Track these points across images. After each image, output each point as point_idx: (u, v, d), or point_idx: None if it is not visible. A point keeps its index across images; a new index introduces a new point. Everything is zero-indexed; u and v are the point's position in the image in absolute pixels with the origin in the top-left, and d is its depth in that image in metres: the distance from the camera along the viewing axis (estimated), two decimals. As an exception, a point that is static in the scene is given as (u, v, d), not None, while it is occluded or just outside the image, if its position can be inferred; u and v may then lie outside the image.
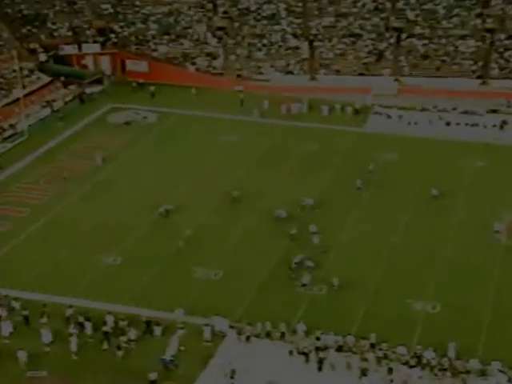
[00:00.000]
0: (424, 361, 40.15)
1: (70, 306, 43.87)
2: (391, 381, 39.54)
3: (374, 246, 50.39)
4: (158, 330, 42.69)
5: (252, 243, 50.61)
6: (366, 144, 64.80)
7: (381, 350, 40.56)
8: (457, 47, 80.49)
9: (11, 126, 67.34)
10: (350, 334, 41.16)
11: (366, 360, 40.01)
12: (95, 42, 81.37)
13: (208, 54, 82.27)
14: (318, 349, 40.75)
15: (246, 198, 54.98)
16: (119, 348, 41.04)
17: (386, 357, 40.39)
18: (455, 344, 40.77)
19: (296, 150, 63.87)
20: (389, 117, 70.12)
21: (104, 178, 59.15)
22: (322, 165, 61.04)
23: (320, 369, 40.22)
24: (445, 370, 39.70)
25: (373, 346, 40.97)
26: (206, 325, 42.11)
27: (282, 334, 41.95)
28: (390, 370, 39.98)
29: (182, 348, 41.11)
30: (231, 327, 41.73)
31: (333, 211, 54.14)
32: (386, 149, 62.72)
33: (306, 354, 40.42)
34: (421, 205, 55.17)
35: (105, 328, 42.24)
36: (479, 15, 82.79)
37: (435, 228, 52.40)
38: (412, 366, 40.02)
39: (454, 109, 70.59)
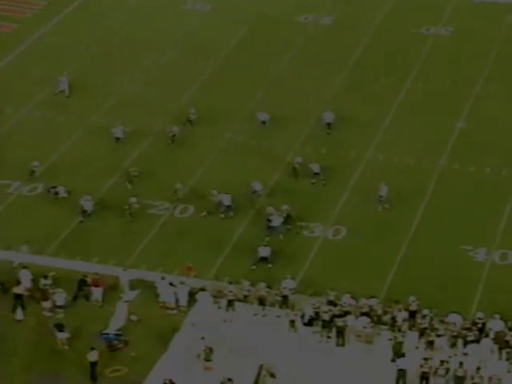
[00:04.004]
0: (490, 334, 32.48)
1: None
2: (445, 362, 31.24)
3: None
4: (97, 293, 35.80)
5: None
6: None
7: (425, 317, 33.06)
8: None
9: None
10: (374, 297, 34.29)
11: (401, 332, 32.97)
12: None
13: None
14: (334, 316, 33.43)
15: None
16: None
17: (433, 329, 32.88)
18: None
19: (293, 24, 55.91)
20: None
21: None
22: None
23: (339, 344, 33.35)
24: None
25: (413, 314, 33.51)
26: (172, 284, 35.62)
27: (283, 298, 34.80)
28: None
29: (134, 318, 35.23)
30: (202, 289, 35.31)
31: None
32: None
33: (310, 324, 33.92)
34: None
35: (17, 290, 35.17)
36: None
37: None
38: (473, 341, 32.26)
39: None
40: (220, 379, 31.32)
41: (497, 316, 32.43)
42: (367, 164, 42.87)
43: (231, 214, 39.33)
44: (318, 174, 40.83)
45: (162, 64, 51.54)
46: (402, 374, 30.92)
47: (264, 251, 36.88)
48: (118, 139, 43.93)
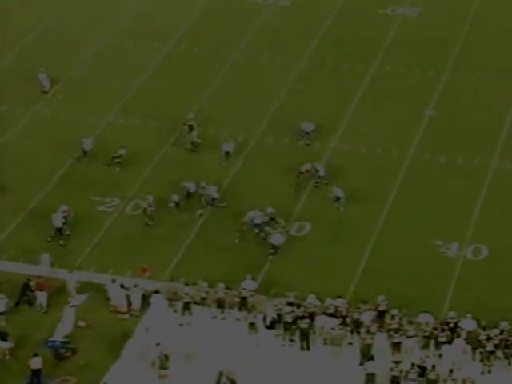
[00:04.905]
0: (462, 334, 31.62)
1: None
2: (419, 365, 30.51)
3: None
4: (42, 297, 34.92)
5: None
6: None
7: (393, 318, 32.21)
8: None
9: None
10: (340, 297, 33.36)
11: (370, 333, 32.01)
12: None
13: None
14: (297, 318, 32.57)
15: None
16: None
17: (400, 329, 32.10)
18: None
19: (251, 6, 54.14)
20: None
21: None
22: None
23: (303, 347, 32.49)
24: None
25: (381, 314, 32.68)
26: (123, 287, 34.80)
27: (242, 300, 33.81)
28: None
29: (82, 324, 34.48)
30: (156, 292, 34.39)
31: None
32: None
33: (272, 327, 33.11)
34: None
35: None
36: None
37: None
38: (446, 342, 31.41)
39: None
40: None
41: (469, 315, 31.51)
42: (332, 154, 41.64)
43: (222, 204, 38.27)
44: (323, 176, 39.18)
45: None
46: (371, 377, 29.85)
47: (276, 239, 36.08)
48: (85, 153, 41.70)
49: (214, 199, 38.36)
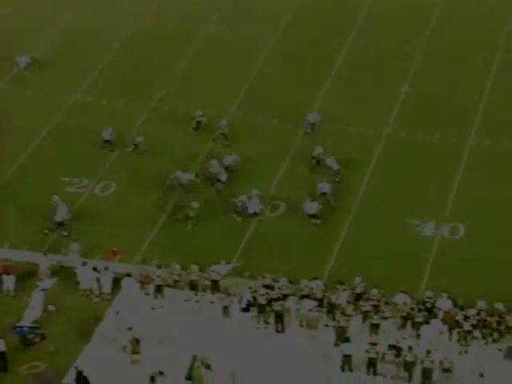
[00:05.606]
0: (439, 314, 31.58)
1: None
2: (393, 346, 30.35)
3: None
4: (9, 281, 34.60)
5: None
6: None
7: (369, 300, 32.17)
8: None
9: None
10: (316, 278, 33.22)
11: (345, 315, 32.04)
12: None
13: None
14: (271, 300, 32.36)
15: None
16: None
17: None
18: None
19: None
20: None
21: None
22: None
23: (278, 330, 32.36)
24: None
25: (358, 296, 32.68)
26: (96, 270, 34.40)
27: (213, 283, 33.57)
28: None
29: (52, 308, 34.04)
30: (128, 275, 34.04)
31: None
32: None
33: (247, 310, 32.93)
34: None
35: None
36: None
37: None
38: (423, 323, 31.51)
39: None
40: (150, 373, 30.10)
41: (445, 295, 31.35)
42: (305, 134, 41.31)
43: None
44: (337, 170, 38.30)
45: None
46: (347, 359, 29.67)
47: (311, 208, 35.85)
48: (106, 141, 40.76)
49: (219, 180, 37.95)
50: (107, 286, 33.17)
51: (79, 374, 29.59)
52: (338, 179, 38.18)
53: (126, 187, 38.45)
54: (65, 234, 35.95)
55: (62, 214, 36.24)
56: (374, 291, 31.64)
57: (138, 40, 48.62)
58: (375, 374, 29.64)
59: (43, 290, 33.58)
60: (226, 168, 38.51)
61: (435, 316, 31.09)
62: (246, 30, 49.18)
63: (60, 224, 36.13)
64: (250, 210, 36.68)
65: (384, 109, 42.93)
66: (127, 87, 44.66)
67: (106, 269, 33.33)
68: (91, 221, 36.92)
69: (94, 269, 33.52)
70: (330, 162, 38.68)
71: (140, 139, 40.07)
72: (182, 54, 47.21)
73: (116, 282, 33.63)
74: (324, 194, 37.26)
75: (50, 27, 50.01)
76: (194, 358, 30.42)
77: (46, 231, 35.99)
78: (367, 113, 42.62)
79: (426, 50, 47.24)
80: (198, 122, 41.43)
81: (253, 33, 48.81)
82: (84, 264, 33.63)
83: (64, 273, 34.69)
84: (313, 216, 36.18)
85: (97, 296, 33.43)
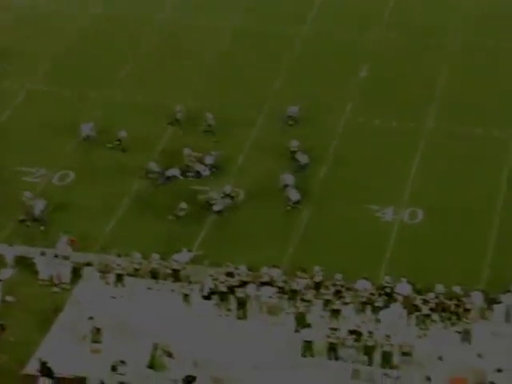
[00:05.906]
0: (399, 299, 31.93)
1: None
2: (353, 331, 30.75)
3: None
4: None
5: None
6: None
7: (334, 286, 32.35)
8: None
9: None
10: (276, 266, 33.37)
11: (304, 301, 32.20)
12: None
13: None
14: (232, 287, 32.51)
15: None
16: None
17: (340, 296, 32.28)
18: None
19: None
20: None
21: None
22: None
23: (240, 316, 32.54)
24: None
25: (317, 285, 32.85)
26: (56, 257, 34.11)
27: (174, 272, 33.59)
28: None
29: (10, 298, 33.81)
30: (88, 264, 34.09)
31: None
32: None
33: (209, 298, 33.05)
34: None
35: None
36: None
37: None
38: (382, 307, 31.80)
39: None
40: (111, 362, 29.96)
41: (404, 279, 31.67)
42: (266, 118, 41.42)
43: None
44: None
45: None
46: (307, 345, 29.92)
47: (294, 195, 36.12)
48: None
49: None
50: (66, 276, 33.00)
51: (43, 364, 29.52)
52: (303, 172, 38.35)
53: (84, 177, 38.17)
54: (42, 228, 35.86)
55: (39, 208, 36.13)
56: (338, 276, 31.83)
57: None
58: (336, 358, 29.79)
59: (0, 280, 33.04)
60: (211, 167, 38.63)
61: (395, 301, 31.31)
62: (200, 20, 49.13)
63: (36, 220, 36.09)
64: (216, 208, 36.79)
65: (342, 94, 43.17)
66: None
67: (65, 258, 33.10)
68: (51, 210, 36.62)
69: (56, 256, 33.31)
70: (300, 156, 38.83)
71: (123, 134, 39.60)
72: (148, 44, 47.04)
73: (76, 272, 33.40)
74: (286, 186, 37.33)
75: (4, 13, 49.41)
76: (156, 347, 30.32)
77: (23, 218, 36.08)
78: (326, 97, 42.75)
79: (384, 35, 47.54)
80: (177, 120, 41.37)
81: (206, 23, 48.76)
82: (43, 254, 33.36)
83: (23, 263, 34.25)
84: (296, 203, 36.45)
85: (56, 285, 33.23)
